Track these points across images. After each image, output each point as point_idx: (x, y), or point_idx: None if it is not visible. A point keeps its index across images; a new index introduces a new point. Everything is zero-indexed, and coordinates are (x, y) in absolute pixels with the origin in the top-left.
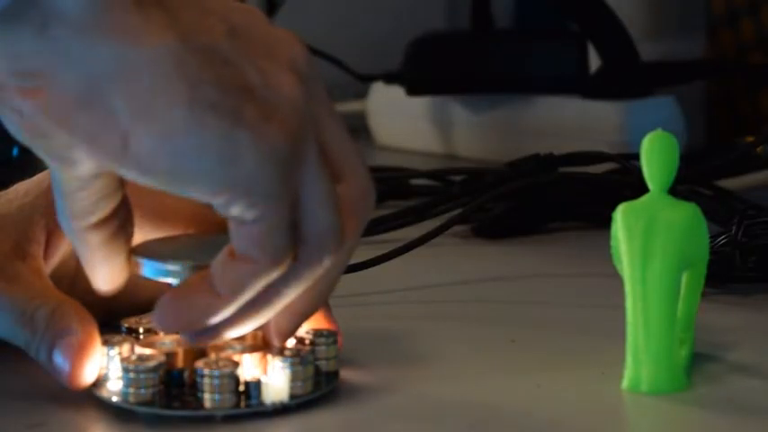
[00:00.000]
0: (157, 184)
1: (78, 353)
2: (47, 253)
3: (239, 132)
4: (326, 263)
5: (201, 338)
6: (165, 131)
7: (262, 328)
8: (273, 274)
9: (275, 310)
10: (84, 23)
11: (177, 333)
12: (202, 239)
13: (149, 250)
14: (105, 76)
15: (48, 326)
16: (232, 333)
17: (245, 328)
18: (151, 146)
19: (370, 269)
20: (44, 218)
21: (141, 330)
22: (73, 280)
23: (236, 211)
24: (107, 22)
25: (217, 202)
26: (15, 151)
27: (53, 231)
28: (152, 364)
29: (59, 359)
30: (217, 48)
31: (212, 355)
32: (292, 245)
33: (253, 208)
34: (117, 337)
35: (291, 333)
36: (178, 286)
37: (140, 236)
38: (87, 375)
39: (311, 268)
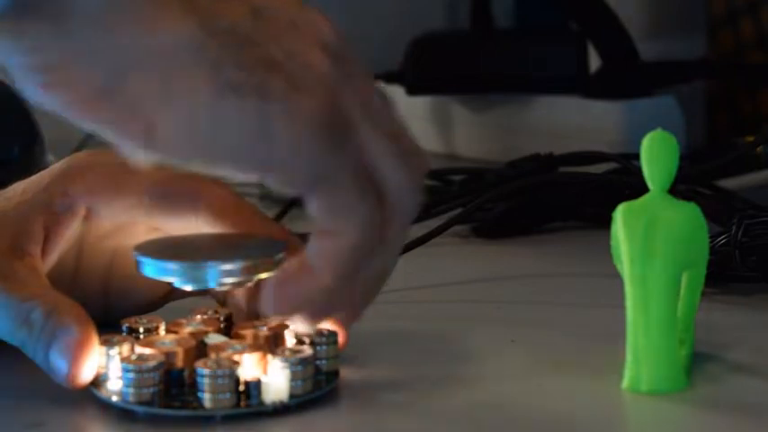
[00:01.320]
0: (193, 166)
1: (75, 352)
2: (44, 251)
3: (268, 106)
4: (411, 214)
5: (316, 319)
6: (191, 115)
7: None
8: (366, 243)
9: (383, 282)
10: (100, 15)
11: (288, 317)
12: (204, 239)
13: (150, 249)
14: (125, 65)
15: (44, 325)
16: (351, 312)
17: (361, 304)
18: (178, 130)
19: None
20: (42, 215)
21: (141, 330)
22: (73, 278)
23: (287, 183)
24: (124, 12)
25: (264, 178)
26: (15, 151)
27: (51, 229)
28: (152, 363)
29: (56, 359)
30: (238, 29)
31: (212, 355)
32: (373, 210)
33: (303, 178)
34: (117, 337)
35: (363, 309)
36: (280, 272)
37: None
38: (85, 375)
39: (402, 231)
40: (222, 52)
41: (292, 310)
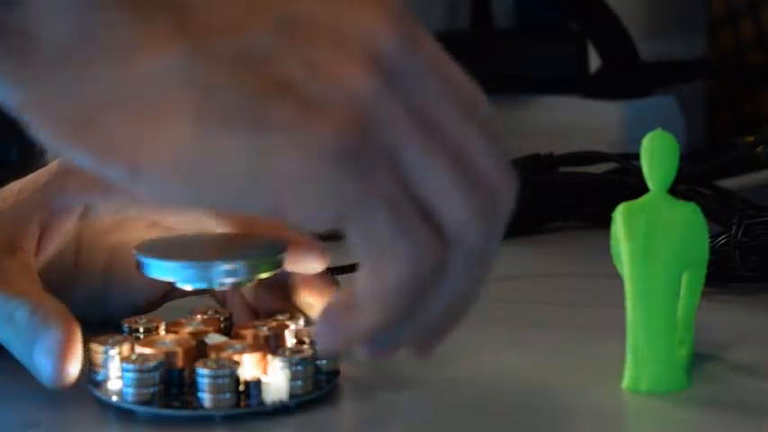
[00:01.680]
0: (185, 205)
1: (58, 352)
2: (39, 247)
3: (268, 137)
4: (479, 248)
5: (379, 354)
6: (176, 150)
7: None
8: (411, 282)
9: (460, 316)
10: (70, 46)
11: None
12: (205, 238)
13: (151, 249)
14: (101, 101)
15: (28, 324)
16: (422, 347)
17: (433, 339)
18: (163, 167)
19: None
20: (38, 213)
21: (141, 330)
22: (73, 276)
23: (306, 224)
24: (99, 42)
25: (271, 216)
26: (15, 153)
27: (48, 226)
28: (152, 363)
29: (40, 358)
30: (249, 45)
31: (212, 355)
32: (418, 246)
33: (323, 218)
34: (117, 337)
35: (437, 343)
36: (328, 306)
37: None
38: (68, 375)
39: (468, 266)
40: (215, 77)
41: (345, 345)
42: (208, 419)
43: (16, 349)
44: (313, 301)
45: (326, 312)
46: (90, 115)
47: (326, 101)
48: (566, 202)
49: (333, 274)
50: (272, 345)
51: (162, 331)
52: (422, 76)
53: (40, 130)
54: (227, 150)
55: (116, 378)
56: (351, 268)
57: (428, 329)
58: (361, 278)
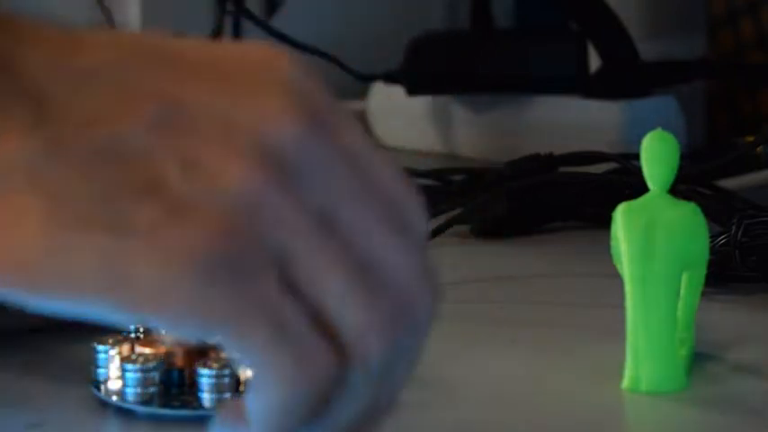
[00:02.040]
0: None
1: None
2: None
3: (125, 240)
4: (382, 363)
5: None
6: (24, 253)
7: None
8: (297, 401)
9: (365, 420)
10: None
11: None
12: None
13: None
14: None
15: None
16: None
17: None
18: (9, 270)
19: None
20: None
21: (141, 330)
22: None
23: (169, 330)
24: None
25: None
26: None
27: None
28: (152, 363)
29: None
30: (115, 140)
31: (212, 355)
32: (300, 362)
33: (190, 329)
34: (117, 337)
35: None
36: (226, 410)
37: None
38: None
39: (368, 377)
40: (67, 174)
41: None
42: (208, 419)
43: None
44: None
45: (221, 417)
46: None
47: (199, 202)
48: (566, 202)
49: None
50: None
51: (162, 331)
52: (327, 171)
53: None
54: (79, 255)
55: (116, 378)
56: None
57: None
58: (247, 393)
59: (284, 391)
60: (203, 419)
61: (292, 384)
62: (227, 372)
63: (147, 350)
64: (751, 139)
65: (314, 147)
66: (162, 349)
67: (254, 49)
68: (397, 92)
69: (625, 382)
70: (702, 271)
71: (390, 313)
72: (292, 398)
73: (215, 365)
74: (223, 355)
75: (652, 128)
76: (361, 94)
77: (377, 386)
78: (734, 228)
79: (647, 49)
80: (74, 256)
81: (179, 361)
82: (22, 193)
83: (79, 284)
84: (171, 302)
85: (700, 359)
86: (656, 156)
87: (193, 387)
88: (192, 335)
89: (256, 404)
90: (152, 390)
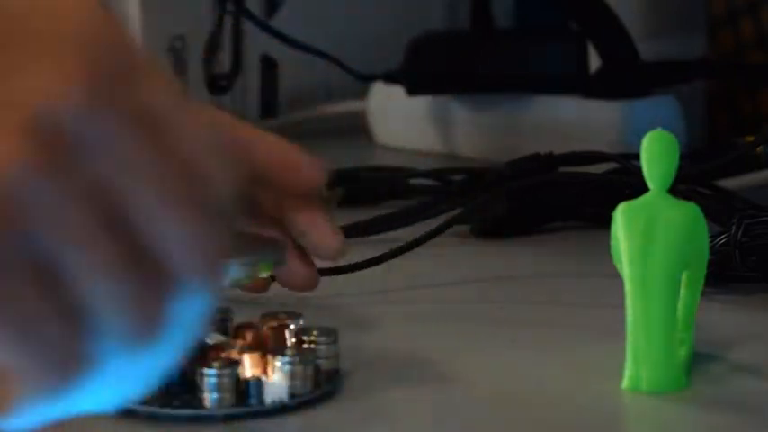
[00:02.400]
0: None
1: None
2: None
3: None
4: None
5: None
6: None
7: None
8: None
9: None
10: None
11: None
12: None
13: None
14: None
15: None
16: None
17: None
18: None
19: (369, 269)
20: None
21: None
22: None
23: None
24: None
25: None
26: None
27: None
28: None
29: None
30: None
31: (213, 355)
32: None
33: None
34: None
35: None
36: None
37: None
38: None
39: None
40: None
41: None
42: (208, 419)
43: None
44: (306, 229)
45: None
46: None
47: None
48: (566, 202)
49: (328, 274)
50: (271, 344)
51: None
52: (110, 142)
53: None
54: None
55: None
56: (350, 268)
57: None
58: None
59: (37, 386)
60: (203, 419)
61: (43, 379)
62: (227, 371)
63: None
64: (751, 139)
65: (98, 117)
66: None
67: None
68: (397, 92)
69: (625, 382)
70: (702, 271)
71: (156, 303)
72: (42, 390)
73: (216, 365)
74: (224, 354)
75: (652, 128)
76: (361, 94)
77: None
78: (734, 228)
79: (647, 49)
80: None
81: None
82: None
83: None
84: None
85: (700, 359)
86: (656, 156)
87: (194, 386)
88: None
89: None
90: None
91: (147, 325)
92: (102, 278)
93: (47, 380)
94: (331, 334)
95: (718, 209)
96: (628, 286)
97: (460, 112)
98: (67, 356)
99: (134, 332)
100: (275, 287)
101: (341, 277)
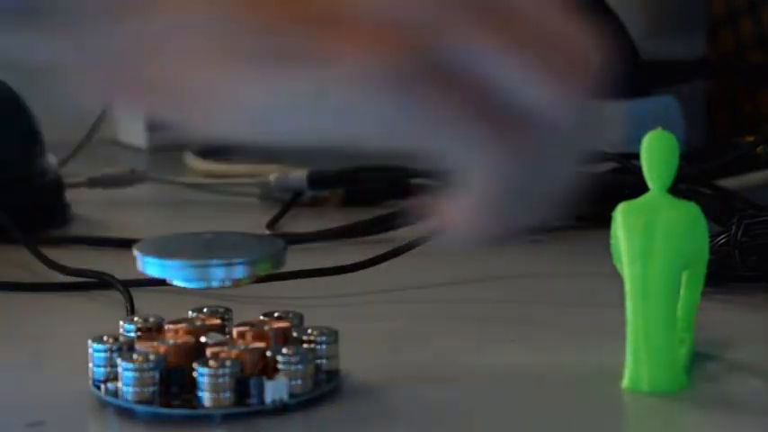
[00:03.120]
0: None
1: None
2: None
3: (323, 73)
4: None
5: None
6: (234, 93)
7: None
8: (514, 165)
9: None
10: (101, 8)
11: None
12: (204, 237)
13: (150, 248)
14: (143, 56)
15: None
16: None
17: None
18: (226, 115)
19: (369, 269)
20: None
21: (141, 329)
22: None
23: (377, 148)
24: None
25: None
26: (15, 152)
27: None
28: (152, 362)
29: None
30: None
31: (212, 354)
32: (498, 135)
33: (390, 140)
34: (117, 336)
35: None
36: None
37: None
38: None
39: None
40: (254, 20)
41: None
42: (208, 418)
43: None
44: None
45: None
46: (131, 67)
47: (373, 23)
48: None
49: (329, 274)
50: (271, 344)
51: (162, 330)
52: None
53: (88, 91)
54: (285, 93)
55: (116, 377)
56: (351, 268)
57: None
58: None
59: (504, 172)
60: (203, 419)
61: (509, 162)
62: (227, 371)
63: (147, 349)
64: (751, 139)
65: None
66: (162, 348)
67: None
68: None
69: (625, 382)
70: (702, 270)
71: (559, 78)
72: (511, 177)
73: (215, 365)
74: (224, 354)
75: (652, 128)
76: None
77: (563, 152)
78: (734, 228)
79: (647, 49)
80: (281, 89)
81: (179, 360)
82: (211, 46)
83: (288, 114)
84: (375, 122)
85: (700, 359)
86: (656, 155)
87: (193, 386)
88: (403, 148)
89: (480, 196)
90: (151, 389)
91: (571, 112)
92: (514, 60)
93: (513, 156)
94: (331, 334)
95: (718, 209)
96: (628, 286)
97: None
98: (520, 133)
99: (561, 124)
100: (275, 287)
101: (341, 277)
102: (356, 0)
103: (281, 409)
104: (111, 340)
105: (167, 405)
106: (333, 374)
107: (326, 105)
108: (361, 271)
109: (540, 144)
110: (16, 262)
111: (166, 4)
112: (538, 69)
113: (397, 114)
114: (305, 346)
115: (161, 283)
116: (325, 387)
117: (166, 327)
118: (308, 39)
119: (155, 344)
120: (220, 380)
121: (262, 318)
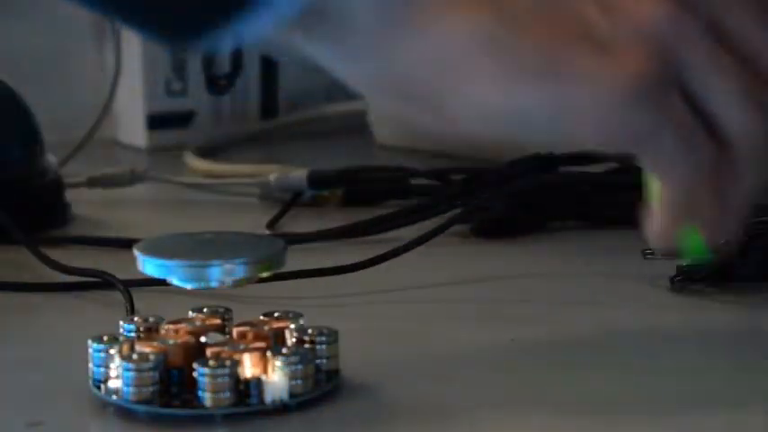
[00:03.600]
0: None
1: None
2: None
3: (568, 85)
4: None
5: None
6: (483, 107)
7: None
8: (688, 192)
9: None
10: (379, 29)
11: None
12: (205, 238)
13: (150, 248)
14: (410, 71)
15: None
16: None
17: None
18: (475, 120)
19: (369, 269)
20: None
21: (141, 329)
22: None
23: (603, 148)
24: (406, 18)
25: (577, 147)
26: (15, 151)
27: None
28: (152, 362)
29: None
30: (538, 5)
31: (212, 354)
32: (697, 162)
33: (617, 145)
34: (117, 336)
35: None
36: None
37: None
38: None
39: (750, 170)
40: (514, 38)
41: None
42: (208, 418)
43: None
44: None
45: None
46: (401, 79)
47: (622, 42)
48: (566, 202)
49: (329, 274)
50: (271, 344)
51: (162, 330)
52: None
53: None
54: (533, 97)
55: (116, 377)
56: (351, 268)
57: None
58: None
59: (682, 186)
60: (203, 419)
61: (689, 180)
62: (227, 371)
63: (147, 349)
64: None
65: None
66: (162, 348)
67: None
68: None
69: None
70: None
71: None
72: (687, 190)
73: (215, 365)
74: (224, 354)
75: None
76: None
77: (756, 170)
78: None
79: None
80: (527, 103)
81: (179, 360)
82: (479, 61)
83: (531, 124)
84: (605, 130)
85: (699, 359)
86: None
87: (193, 386)
88: (613, 150)
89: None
90: (151, 389)
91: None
92: (725, 84)
93: (697, 173)
94: (331, 334)
95: None
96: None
97: None
98: (706, 154)
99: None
100: (276, 287)
101: (341, 277)
102: (613, 22)
103: (280, 409)
104: (111, 340)
105: (167, 405)
106: (333, 374)
107: (565, 116)
108: (361, 271)
109: (737, 163)
110: (16, 262)
111: (436, 22)
112: (746, 96)
113: (630, 121)
114: (305, 346)
115: (161, 283)
116: (325, 387)
117: (166, 327)
118: (568, 53)
119: (155, 344)
120: (220, 380)
121: (262, 318)
